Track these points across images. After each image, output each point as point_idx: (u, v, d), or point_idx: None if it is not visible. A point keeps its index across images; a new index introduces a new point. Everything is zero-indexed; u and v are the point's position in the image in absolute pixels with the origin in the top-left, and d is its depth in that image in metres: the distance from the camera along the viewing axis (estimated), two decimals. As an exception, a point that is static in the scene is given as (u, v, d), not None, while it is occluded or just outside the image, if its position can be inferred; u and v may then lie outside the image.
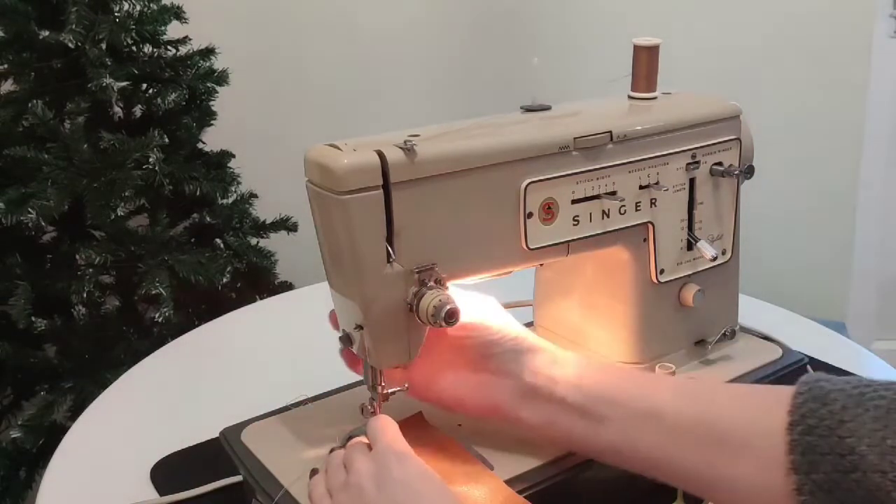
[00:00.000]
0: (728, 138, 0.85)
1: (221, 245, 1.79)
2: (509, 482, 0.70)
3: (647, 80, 0.85)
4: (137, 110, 1.73)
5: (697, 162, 0.83)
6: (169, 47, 1.74)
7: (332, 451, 0.71)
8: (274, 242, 1.87)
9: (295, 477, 0.71)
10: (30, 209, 1.48)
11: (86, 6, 1.55)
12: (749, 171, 0.85)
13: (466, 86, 2.24)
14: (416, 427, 0.77)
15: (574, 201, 0.76)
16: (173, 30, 1.73)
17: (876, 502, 0.53)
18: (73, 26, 1.52)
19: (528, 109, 0.80)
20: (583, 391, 0.68)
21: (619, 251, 0.82)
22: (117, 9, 1.65)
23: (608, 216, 0.79)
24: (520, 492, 0.69)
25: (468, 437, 0.77)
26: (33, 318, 1.53)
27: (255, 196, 1.87)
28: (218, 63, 1.78)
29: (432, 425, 0.77)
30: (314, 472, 0.69)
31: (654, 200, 0.81)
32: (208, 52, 1.76)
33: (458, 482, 0.68)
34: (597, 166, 0.77)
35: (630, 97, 0.86)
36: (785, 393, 0.59)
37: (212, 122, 1.80)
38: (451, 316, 0.67)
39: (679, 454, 0.63)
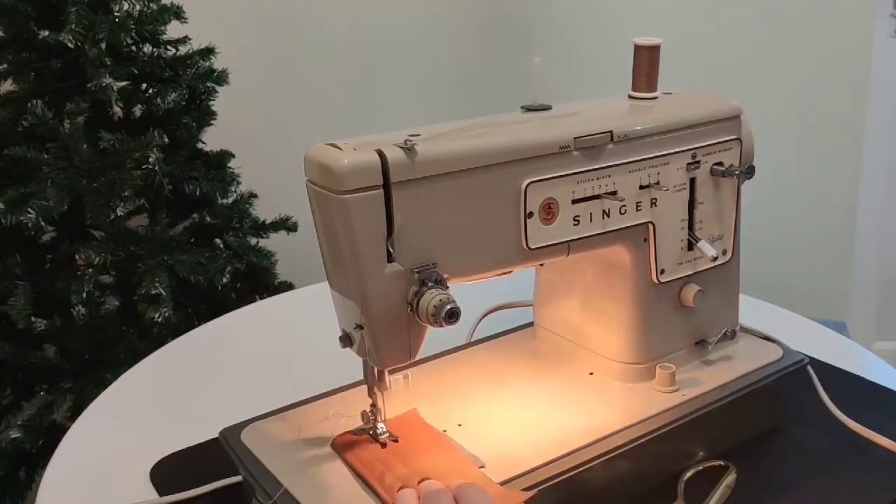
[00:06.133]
0: (729, 138, 0.85)
1: (221, 245, 1.79)
2: (508, 482, 0.70)
3: (647, 79, 0.85)
4: (137, 110, 1.73)
5: (698, 162, 0.83)
6: (169, 47, 1.74)
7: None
8: (274, 242, 1.87)
9: (294, 477, 0.71)
10: (29, 209, 1.47)
11: (86, 6, 1.54)
12: (749, 171, 0.85)
13: (466, 86, 2.24)
14: (409, 423, 0.77)
15: (574, 201, 0.76)
16: (173, 30, 1.73)
17: None
18: (73, 26, 1.52)
19: (529, 109, 0.80)
20: None
21: (619, 251, 0.82)
22: (117, 9, 1.65)
23: (608, 216, 0.78)
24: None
25: (469, 437, 0.77)
26: (33, 318, 1.53)
27: (255, 196, 1.87)
28: (218, 63, 1.78)
29: (426, 422, 0.77)
30: None
31: (654, 200, 0.81)
32: (208, 52, 1.76)
33: (447, 477, 0.68)
34: (597, 166, 0.77)
35: (630, 97, 0.86)
36: None
37: (212, 121, 1.80)
38: (452, 316, 0.67)
39: None
